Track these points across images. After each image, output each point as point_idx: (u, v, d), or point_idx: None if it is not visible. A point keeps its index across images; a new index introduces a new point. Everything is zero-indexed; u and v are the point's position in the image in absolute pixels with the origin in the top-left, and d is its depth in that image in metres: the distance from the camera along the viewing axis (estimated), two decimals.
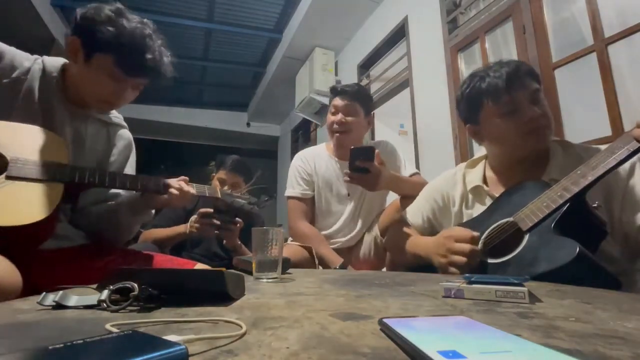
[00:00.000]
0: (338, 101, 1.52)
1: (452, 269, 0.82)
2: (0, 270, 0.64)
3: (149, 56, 0.88)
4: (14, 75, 0.85)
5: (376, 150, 1.13)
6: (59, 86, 0.90)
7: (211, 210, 1.34)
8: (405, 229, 1.10)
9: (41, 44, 3.24)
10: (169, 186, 0.97)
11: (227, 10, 3.76)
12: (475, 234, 0.82)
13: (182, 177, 1.02)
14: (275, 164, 6.31)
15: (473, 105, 0.96)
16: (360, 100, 1.52)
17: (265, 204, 1.46)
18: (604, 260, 0.68)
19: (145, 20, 0.92)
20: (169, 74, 0.94)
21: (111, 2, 0.89)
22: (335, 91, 1.56)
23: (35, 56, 0.91)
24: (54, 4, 3.44)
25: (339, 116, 1.50)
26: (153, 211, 1.07)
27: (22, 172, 0.77)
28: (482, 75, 0.93)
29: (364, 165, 1.11)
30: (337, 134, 1.51)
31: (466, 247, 0.80)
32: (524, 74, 0.90)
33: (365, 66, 3.59)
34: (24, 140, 0.81)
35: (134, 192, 1.03)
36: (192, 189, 1.01)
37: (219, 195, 1.16)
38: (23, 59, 0.87)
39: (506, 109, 0.90)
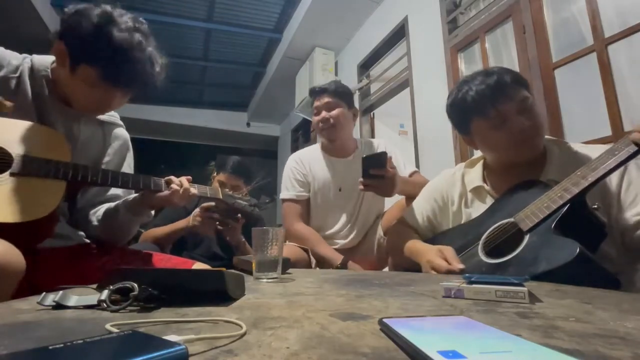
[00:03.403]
0: (317, 102, 1.54)
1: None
2: (2, 251, 0.64)
3: (137, 68, 0.84)
4: (1, 74, 0.83)
5: (389, 156, 1.11)
6: (49, 84, 0.88)
7: (213, 203, 1.34)
8: (406, 233, 1.10)
9: (41, 44, 3.24)
10: (170, 182, 0.96)
11: (227, 10, 3.76)
12: (458, 265, 0.80)
13: (186, 177, 1.01)
14: (275, 164, 6.31)
15: (462, 118, 0.97)
16: (339, 95, 1.54)
17: (266, 206, 1.46)
18: (603, 260, 0.68)
19: (138, 21, 0.88)
20: (159, 82, 0.91)
21: (102, 4, 0.85)
22: (313, 92, 1.58)
23: (24, 55, 0.89)
24: (54, 4, 3.44)
25: (322, 114, 1.52)
26: (152, 212, 1.07)
27: (26, 169, 0.77)
28: (467, 89, 0.92)
29: (378, 173, 1.09)
30: (324, 130, 1.52)
31: (443, 265, 0.81)
32: (508, 84, 0.88)
33: (365, 66, 3.58)
34: (28, 138, 0.81)
35: (134, 192, 1.03)
36: (194, 189, 1.01)
37: (221, 197, 1.15)
38: (11, 58, 0.86)
39: (493, 122, 0.89)
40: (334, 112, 1.51)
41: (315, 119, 1.55)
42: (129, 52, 0.83)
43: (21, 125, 0.81)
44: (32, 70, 0.88)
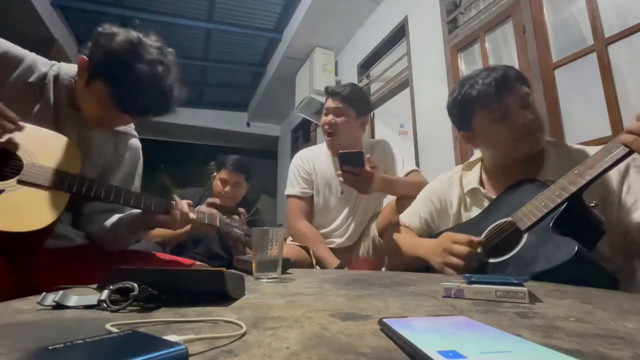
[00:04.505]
0: (329, 102, 1.54)
1: (449, 270, 0.82)
2: None
3: (147, 101, 0.87)
4: (31, 79, 0.85)
5: (367, 155, 1.12)
6: (70, 94, 0.90)
7: (217, 201, 1.34)
8: (402, 232, 1.10)
9: (41, 44, 3.24)
10: (172, 207, 0.96)
11: (227, 10, 3.76)
12: (475, 238, 0.81)
13: (187, 201, 1.01)
14: (275, 164, 6.31)
15: (464, 113, 0.97)
16: (352, 102, 1.51)
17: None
18: (598, 259, 0.68)
19: (163, 53, 0.89)
20: (172, 110, 0.93)
21: (132, 28, 0.87)
22: (327, 92, 1.58)
23: (53, 62, 0.92)
24: (54, 4, 3.43)
25: (329, 117, 1.52)
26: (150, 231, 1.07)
27: (34, 178, 0.77)
28: (471, 83, 0.93)
29: (353, 171, 1.10)
30: (326, 136, 1.54)
31: (463, 249, 0.80)
32: (512, 79, 0.90)
33: (365, 66, 3.58)
34: (41, 145, 0.81)
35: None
36: (192, 214, 1.01)
37: (217, 224, 1.16)
38: (41, 65, 0.88)
39: (497, 115, 0.90)
40: (340, 120, 1.50)
41: (322, 119, 1.56)
42: (145, 85, 0.85)
43: (36, 132, 0.81)
44: (58, 78, 0.89)
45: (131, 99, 0.86)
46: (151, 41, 0.88)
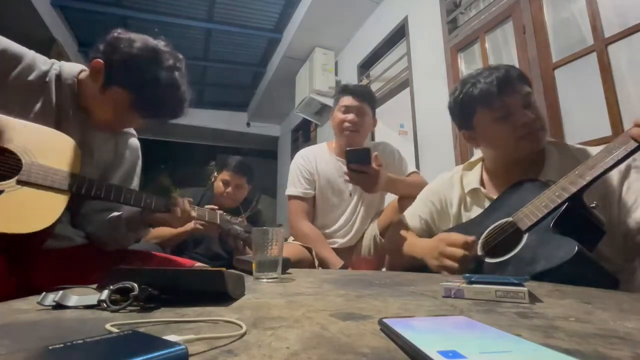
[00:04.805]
0: (350, 100, 1.52)
1: (444, 273, 0.83)
2: None
3: (167, 106, 0.90)
4: (31, 78, 0.84)
5: (374, 153, 1.12)
6: (72, 93, 0.90)
7: (217, 207, 1.34)
8: (404, 232, 1.10)
9: (41, 44, 3.25)
10: (173, 204, 0.97)
11: (227, 10, 3.76)
12: (470, 238, 0.81)
13: (187, 198, 1.02)
14: (275, 164, 6.31)
15: (466, 112, 0.97)
16: (370, 101, 1.54)
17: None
18: (598, 259, 0.69)
19: (178, 59, 0.91)
20: (185, 113, 0.95)
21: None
22: (347, 90, 1.56)
23: (53, 60, 0.91)
24: (54, 4, 3.43)
25: (351, 115, 1.50)
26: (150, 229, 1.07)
27: (33, 179, 0.77)
28: (473, 82, 0.93)
29: (361, 169, 1.10)
30: (348, 133, 1.50)
31: (458, 251, 0.80)
32: (514, 78, 0.90)
33: (365, 66, 3.58)
34: (41, 144, 0.80)
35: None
36: (193, 212, 1.02)
37: (218, 221, 1.15)
38: (40, 63, 0.87)
39: (499, 114, 0.90)
40: (364, 120, 1.51)
41: (340, 116, 1.52)
42: (165, 92, 0.87)
43: (36, 130, 0.81)
44: (60, 77, 0.89)
45: (152, 106, 0.88)
46: (162, 47, 0.90)
